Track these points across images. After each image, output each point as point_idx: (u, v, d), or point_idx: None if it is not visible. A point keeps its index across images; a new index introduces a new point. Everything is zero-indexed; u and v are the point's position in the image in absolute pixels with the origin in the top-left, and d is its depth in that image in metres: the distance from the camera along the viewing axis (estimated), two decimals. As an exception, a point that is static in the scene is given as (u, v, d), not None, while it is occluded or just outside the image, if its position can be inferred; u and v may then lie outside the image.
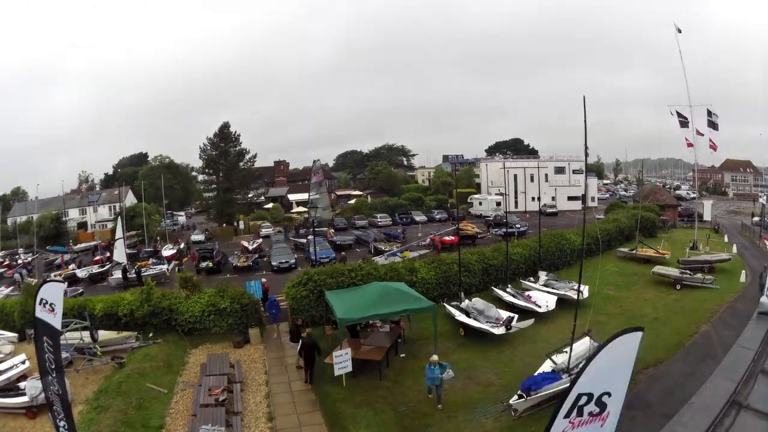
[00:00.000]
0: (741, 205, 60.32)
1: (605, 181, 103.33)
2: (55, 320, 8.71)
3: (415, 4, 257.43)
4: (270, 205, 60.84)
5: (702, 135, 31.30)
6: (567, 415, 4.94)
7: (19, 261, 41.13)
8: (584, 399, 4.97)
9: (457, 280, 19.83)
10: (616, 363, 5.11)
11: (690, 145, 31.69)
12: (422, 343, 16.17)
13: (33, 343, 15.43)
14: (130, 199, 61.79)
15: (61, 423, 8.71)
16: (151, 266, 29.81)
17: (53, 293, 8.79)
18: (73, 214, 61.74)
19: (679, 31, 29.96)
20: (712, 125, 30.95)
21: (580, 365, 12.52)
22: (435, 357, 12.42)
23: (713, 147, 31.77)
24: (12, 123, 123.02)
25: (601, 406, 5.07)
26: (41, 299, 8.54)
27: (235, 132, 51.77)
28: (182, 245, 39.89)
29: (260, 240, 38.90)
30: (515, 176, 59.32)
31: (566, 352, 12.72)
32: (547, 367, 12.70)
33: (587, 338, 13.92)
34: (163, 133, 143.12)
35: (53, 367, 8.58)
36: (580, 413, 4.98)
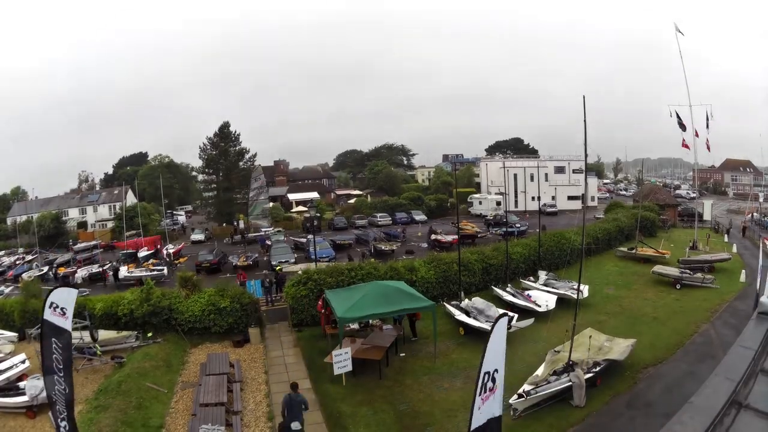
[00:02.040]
0: (741, 205, 60.28)
1: (605, 181, 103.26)
2: (67, 324, 9.02)
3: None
4: (270, 205, 60.82)
5: (698, 137, 31.37)
6: (480, 393, 6.18)
7: (19, 261, 41.05)
8: (487, 377, 6.24)
9: (457, 279, 19.85)
10: (499, 344, 6.50)
11: (686, 146, 31.72)
12: (422, 343, 16.17)
13: (32, 343, 15.52)
14: (130, 199, 61.75)
15: (62, 423, 8.73)
16: (152, 266, 29.84)
17: (65, 298, 9.10)
18: (73, 214, 61.68)
19: (681, 33, 29.95)
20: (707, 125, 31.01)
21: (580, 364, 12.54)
22: None
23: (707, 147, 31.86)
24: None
25: (494, 380, 6.40)
26: (51, 303, 8.77)
27: (235, 131, 51.83)
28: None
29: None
30: (515, 176, 59.32)
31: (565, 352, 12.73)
32: (547, 365, 12.71)
33: (588, 337, 13.91)
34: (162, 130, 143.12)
35: (61, 366, 8.77)
36: (485, 389, 6.25)
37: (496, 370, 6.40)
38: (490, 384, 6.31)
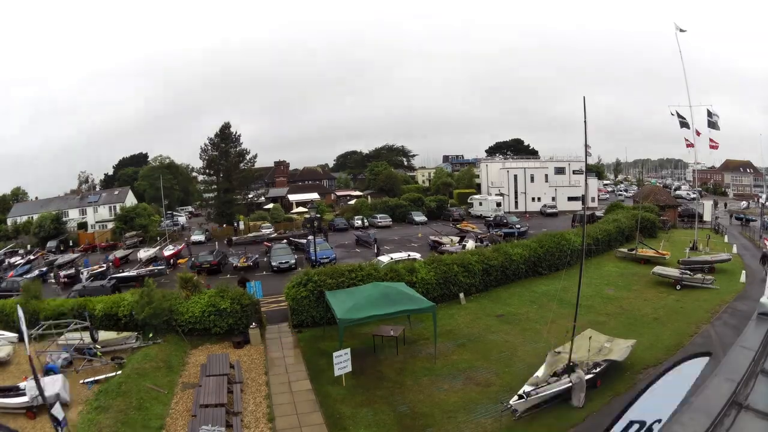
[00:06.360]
0: (741, 205, 60.25)
1: (605, 182, 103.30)
2: None
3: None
4: (270, 206, 60.85)
5: (699, 135, 31.34)
6: None
7: (20, 261, 40.91)
8: (635, 426, 4.34)
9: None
10: (674, 389, 4.33)
11: (689, 145, 31.70)
12: (422, 343, 16.17)
13: (32, 344, 15.47)
14: (130, 200, 61.75)
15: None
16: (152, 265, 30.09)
17: None
18: (73, 215, 61.62)
19: (682, 31, 29.89)
20: (712, 125, 30.94)
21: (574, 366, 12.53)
22: None
23: (714, 146, 31.75)
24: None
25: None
26: None
27: (236, 132, 51.81)
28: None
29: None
30: (515, 177, 59.35)
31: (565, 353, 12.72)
32: (547, 366, 12.70)
33: (588, 337, 13.91)
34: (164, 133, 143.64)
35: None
36: None
37: (658, 421, 4.39)
38: None
